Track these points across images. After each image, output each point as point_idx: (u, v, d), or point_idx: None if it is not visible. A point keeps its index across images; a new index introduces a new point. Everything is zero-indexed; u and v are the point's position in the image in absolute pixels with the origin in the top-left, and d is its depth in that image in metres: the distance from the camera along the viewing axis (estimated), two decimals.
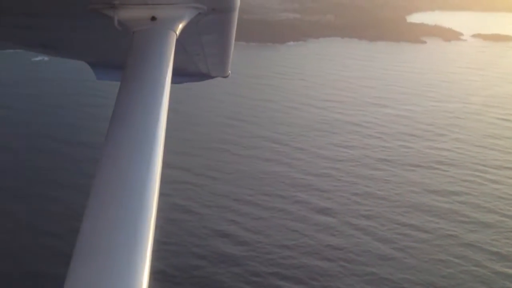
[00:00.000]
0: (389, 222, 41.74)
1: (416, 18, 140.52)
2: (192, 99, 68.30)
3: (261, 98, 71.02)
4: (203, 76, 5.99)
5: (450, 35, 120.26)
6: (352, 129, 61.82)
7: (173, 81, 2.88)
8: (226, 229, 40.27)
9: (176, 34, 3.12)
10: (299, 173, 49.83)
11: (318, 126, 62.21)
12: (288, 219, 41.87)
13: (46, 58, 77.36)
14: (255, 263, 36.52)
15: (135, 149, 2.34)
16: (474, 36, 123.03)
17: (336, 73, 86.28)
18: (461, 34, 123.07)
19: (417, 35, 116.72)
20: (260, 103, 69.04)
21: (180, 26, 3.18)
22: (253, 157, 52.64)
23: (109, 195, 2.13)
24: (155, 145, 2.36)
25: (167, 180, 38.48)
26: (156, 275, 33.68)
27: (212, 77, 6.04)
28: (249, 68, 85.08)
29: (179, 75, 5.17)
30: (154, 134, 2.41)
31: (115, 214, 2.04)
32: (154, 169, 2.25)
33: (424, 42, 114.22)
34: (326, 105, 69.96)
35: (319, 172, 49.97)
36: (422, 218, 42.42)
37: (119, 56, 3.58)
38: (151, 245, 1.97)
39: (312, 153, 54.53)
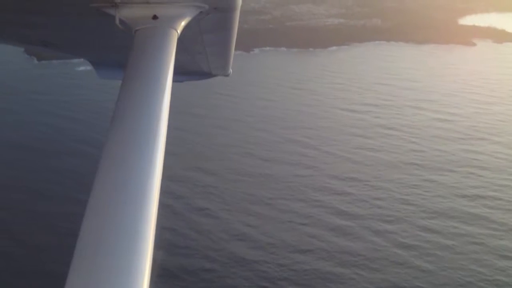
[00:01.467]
0: (411, 228, 40.03)
1: (469, 20, 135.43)
2: (222, 102, 68.62)
3: (294, 102, 70.23)
4: (205, 74, 5.97)
5: (502, 37, 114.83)
6: (386, 132, 60.00)
7: (175, 80, 2.84)
8: (242, 232, 39.82)
9: (178, 33, 3.10)
10: (324, 177, 48.73)
11: (350, 130, 60.80)
12: (306, 224, 40.93)
13: (88, 68, 79.63)
14: (267, 267, 35.84)
15: (136, 148, 2.30)
16: None
17: (377, 76, 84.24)
18: None
19: (467, 37, 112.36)
20: (292, 107, 68.28)
21: (182, 24, 3.15)
22: (278, 161, 51.97)
23: (110, 194, 2.10)
24: (156, 143, 2.33)
25: (191, 183, 38.89)
26: (167, 278, 33.76)
27: (213, 76, 6.00)
28: (285, 73, 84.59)
29: (180, 74, 5.22)
30: (156, 132, 2.37)
31: (116, 213, 2.01)
32: (155, 168, 2.22)
33: (474, 44, 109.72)
34: (362, 108, 68.37)
35: (345, 177, 48.67)
36: (447, 224, 40.44)
37: (120, 55, 3.61)
38: (152, 244, 1.94)
39: (340, 157, 53.26)
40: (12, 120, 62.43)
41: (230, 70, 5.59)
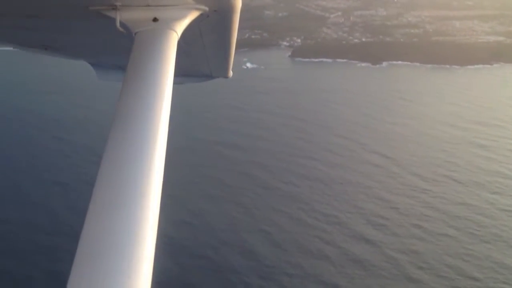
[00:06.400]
0: (440, 262, 35.82)
1: None
2: (323, 109, 67.78)
3: (396, 115, 66.25)
4: (205, 77, 6.05)
5: None
6: (478, 153, 54.05)
7: (175, 82, 2.87)
8: (261, 229, 39.50)
9: (178, 35, 3.11)
10: (382, 190, 45.84)
11: (440, 145, 55.72)
12: (330, 232, 39.15)
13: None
14: (264, 266, 35.29)
15: (137, 150, 2.31)
16: None
17: (504, 96, 75.83)
18: None
19: None
20: (391, 119, 64.39)
21: (182, 27, 3.17)
22: (344, 169, 49.99)
23: (111, 195, 2.11)
24: (157, 145, 2.34)
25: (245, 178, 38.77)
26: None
27: (213, 78, 6.00)
28: (402, 87, 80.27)
29: (181, 76, 5.31)
30: (157, 134, 2.39)
31: (117, 214, 2.03)
32: (156, 170, 2.23)
33: None
34: (466, 126, 61.97)
35: (402, 193, 45.23)
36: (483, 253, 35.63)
37: (121, 57, 3.62)
38: (154, 245, 1.97)
39: (411, 173, 49.29)
40: None
41: (231, 72, 5.48)
